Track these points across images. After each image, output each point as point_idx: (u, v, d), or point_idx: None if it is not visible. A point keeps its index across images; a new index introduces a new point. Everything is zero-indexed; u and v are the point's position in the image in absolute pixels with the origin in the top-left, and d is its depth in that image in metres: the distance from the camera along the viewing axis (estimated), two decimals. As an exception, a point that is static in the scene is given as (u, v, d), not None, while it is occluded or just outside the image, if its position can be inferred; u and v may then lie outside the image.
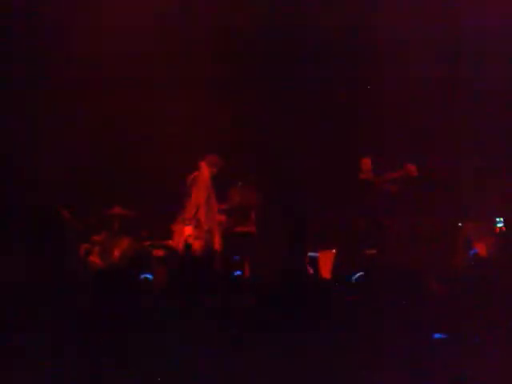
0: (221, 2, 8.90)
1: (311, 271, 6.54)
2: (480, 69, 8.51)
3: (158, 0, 8.56)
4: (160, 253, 7.17)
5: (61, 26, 8.42)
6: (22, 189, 7.94)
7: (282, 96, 9.09)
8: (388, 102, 8.76)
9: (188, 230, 7.77)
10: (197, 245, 7.69)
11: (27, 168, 8.26)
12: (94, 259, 7.15)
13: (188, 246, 7.43)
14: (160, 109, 8.61)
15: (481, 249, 7.45)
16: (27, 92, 8.43)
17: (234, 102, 8.68)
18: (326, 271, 6.92)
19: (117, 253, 7.07)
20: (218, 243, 7.91)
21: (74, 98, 8.44)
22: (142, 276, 4.82)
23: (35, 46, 8.45)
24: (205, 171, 8.07)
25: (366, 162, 8.34)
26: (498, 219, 7.85)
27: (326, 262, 7.26)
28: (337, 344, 4.36)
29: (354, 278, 5.25)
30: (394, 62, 8.63)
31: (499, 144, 8.57)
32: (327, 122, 9.06)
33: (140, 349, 4.25)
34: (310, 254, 6.89)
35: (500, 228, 7.86)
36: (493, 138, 8.58)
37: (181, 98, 8.55)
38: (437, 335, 4.31)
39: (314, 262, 6.93)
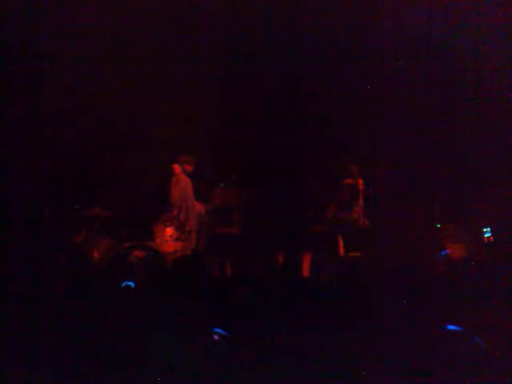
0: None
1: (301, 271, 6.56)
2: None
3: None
4: (141, 254, 7.11)
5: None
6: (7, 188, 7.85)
7: (269, 94, 9.03)
8: (379, 101, 8.73)
9: (169, 231, 7.77)
10: (178, 246, 7.67)
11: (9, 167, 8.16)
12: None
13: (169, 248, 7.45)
14: (142, 108, 8.55)
15: (457, 251, 7.47)
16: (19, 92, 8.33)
17: (218, 100, 8.64)
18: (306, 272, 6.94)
19: (96, 255, 7.00)
20: (199, 244, 7.90)
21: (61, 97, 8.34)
22: (124, 283, 4.77)
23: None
24: (179, 172, 8.09)
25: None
26: (485, 229, 7.79)
27: (307, 263, 7.25)
28: (325, 345, 4.39)
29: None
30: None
31: (485, 147, 8.55)
32: (316, 122, 9.02)
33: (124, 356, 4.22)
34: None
35: (488, 238, 7.79)
36: (479, 140, 8.56)
37: (164, 97, 8.51)
38: (450, 327, 4.33)
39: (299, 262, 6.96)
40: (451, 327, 4.33)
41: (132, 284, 4.78)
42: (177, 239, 7.72)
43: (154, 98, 8.49)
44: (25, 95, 8.13)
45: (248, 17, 8.63)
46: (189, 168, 8.12)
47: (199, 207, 8.19)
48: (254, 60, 8.86)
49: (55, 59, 8.10)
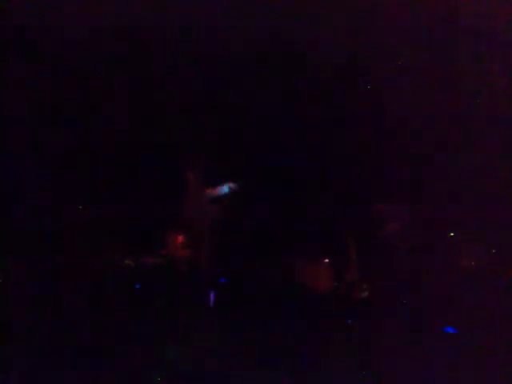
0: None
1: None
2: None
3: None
4: (153, 261, 7.12)
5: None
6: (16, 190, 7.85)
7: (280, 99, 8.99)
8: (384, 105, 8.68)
9: (180, 238, 7.76)
10: (189, 253, 7.66)
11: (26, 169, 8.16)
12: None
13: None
14: (164, 109, 8.52)
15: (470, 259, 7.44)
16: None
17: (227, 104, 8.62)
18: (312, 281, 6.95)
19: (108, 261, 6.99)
20: (209, 251, 7.87)
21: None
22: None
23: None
24: (190, 177, 8.10)
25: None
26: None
27: (312, 271, 7.26)
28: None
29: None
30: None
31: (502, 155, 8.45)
32: (330, 127, 8.94)
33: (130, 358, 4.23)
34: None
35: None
36: (497, 149, 8.46)
37: (178, 96, 8.48)
38: (448, 329, 4.40)
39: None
40: (449, 329, 4.39)
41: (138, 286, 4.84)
42: (188, 246, 7.71)
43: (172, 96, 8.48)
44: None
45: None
46: (197, 172, 8.12)
47: (212, 214, 8.17)
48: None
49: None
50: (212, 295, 5.82)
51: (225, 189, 8.32)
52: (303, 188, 8.59)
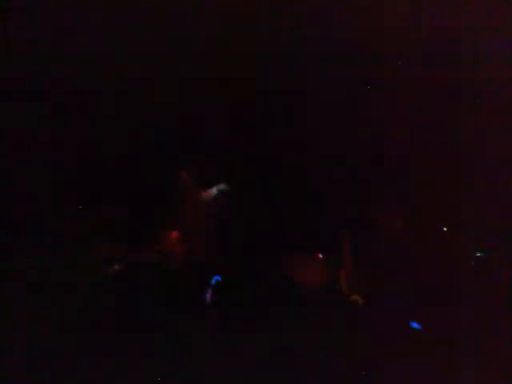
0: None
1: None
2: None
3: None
4: (147, 257, 7.14)
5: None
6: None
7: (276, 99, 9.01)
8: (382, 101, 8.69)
9: (174, 234, 7.78)
10: (183, 249, 7.67)
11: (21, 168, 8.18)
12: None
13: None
14: (155, 107, 8.54)
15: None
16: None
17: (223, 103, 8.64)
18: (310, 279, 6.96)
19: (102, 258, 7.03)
20: (204, 248, 7.89)
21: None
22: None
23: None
24: (183, 174, 8.13)
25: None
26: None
27: (306, 268, 7.26)
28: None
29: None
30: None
31: (496, 149, 8.46)
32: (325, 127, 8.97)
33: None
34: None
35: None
36: (491, 143, 8.47)
37: (177, 96, 8.50)
38: (413, 324, 4.43)
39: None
40: (414, 325, 4.42)
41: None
42: (183, 242, 7.73)
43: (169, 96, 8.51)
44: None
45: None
46: (192, 170, 8.18)
47: (206, 210, 8.21)
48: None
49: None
50: (208, 294, 5.80)
51: (221, 187, 8.34)
52: (301, 186, 8.61)
